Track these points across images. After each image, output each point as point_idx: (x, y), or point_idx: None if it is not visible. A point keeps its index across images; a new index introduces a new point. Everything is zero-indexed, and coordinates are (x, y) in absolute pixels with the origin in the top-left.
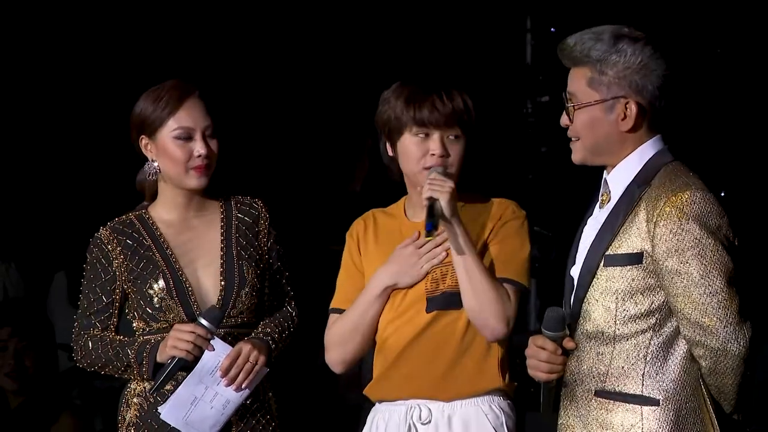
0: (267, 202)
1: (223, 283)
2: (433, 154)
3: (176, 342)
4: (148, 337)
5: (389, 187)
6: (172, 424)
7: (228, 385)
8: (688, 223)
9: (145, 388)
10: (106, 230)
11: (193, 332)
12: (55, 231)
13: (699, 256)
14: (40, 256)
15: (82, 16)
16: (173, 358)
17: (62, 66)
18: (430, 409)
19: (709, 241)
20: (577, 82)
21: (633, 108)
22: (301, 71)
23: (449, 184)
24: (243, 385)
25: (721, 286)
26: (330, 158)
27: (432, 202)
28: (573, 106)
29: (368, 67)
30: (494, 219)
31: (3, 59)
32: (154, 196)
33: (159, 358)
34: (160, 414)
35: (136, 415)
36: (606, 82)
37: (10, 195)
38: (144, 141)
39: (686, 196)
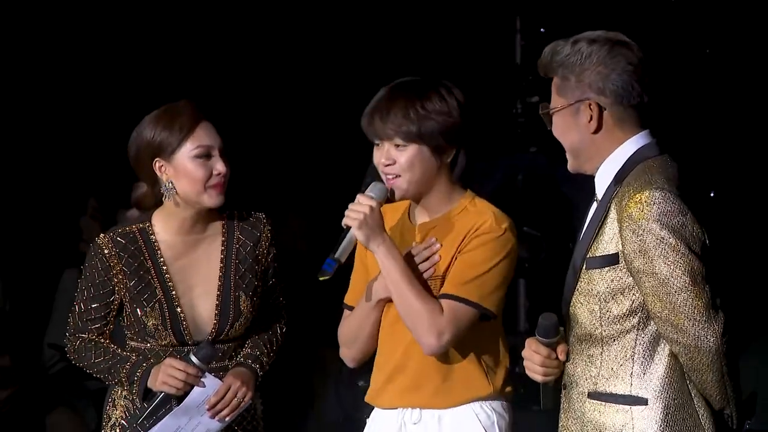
0: (270, 215)
1: (218, 317)
2: (381, 162)
3: (167, 378)
4: (139, 353)
5: None
6: None
7: (212, 417)
8: (648, 224)
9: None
10: (108, 241)
11: (184, 371)
12: (40, 241)
13: (662, 256)
14: (27, 266)
15: (80, 24)
16: (161, 392)
17: (52, 74)
18: (420, 411)
19: (671, 240)
20: (553, 91)
21: (594, 108)
22: (294, 75)
23: (363, 210)
24: (226, 419)
25: (686, 284)
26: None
27: (346, 229)
28: (544, 113)
29: (357, 68)
30: (469, 230)
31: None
32: (149, 211)
33: (149, 384)
34: None
35: (121, 416)
36: (570, 86)
37: None
38: (159, 164)
39: (645, 197)
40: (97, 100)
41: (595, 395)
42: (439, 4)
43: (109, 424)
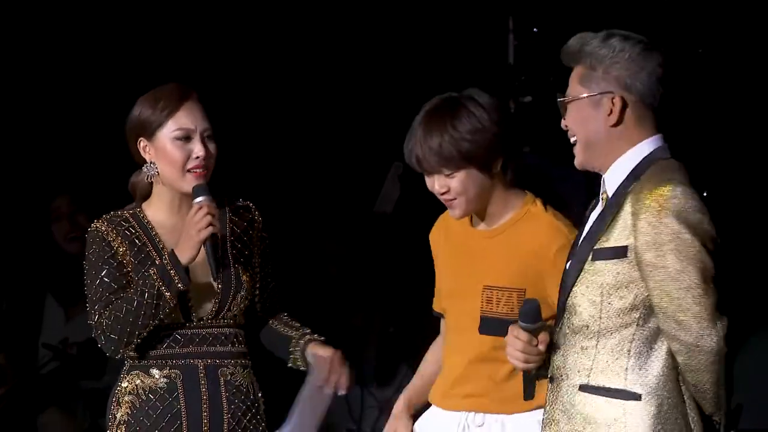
0: (260, 207)
1: (219, 288)
2: (435, 191)
3: (197, 226)
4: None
5: (424, 208)
6: None
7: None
8: (666, 217)
9: (137, 385)
10: (103, 223)
11: (199, 210)
12: (35, 237)
13: (676, 251)
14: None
15: (77, 20)
16: (204, 242)
17: (40, 77)
18: (484, 414)
19: (687, 236)
20: (572, 80)
21: (618, 102)
22: (295, 75)
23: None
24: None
25: (697, 281)
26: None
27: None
28: (563, 101)
29: (352, 69)
30: (542, 247)
31: None
32: (144, 199)
33: (184, 260)
34: None
35: (127, 413)
36: (595, 77)
37: None
38: (143, 143)
39: (666, 190)
40: (74, 100)
41: (587, 388)
42: (431, 4)
43: (115, 424)
